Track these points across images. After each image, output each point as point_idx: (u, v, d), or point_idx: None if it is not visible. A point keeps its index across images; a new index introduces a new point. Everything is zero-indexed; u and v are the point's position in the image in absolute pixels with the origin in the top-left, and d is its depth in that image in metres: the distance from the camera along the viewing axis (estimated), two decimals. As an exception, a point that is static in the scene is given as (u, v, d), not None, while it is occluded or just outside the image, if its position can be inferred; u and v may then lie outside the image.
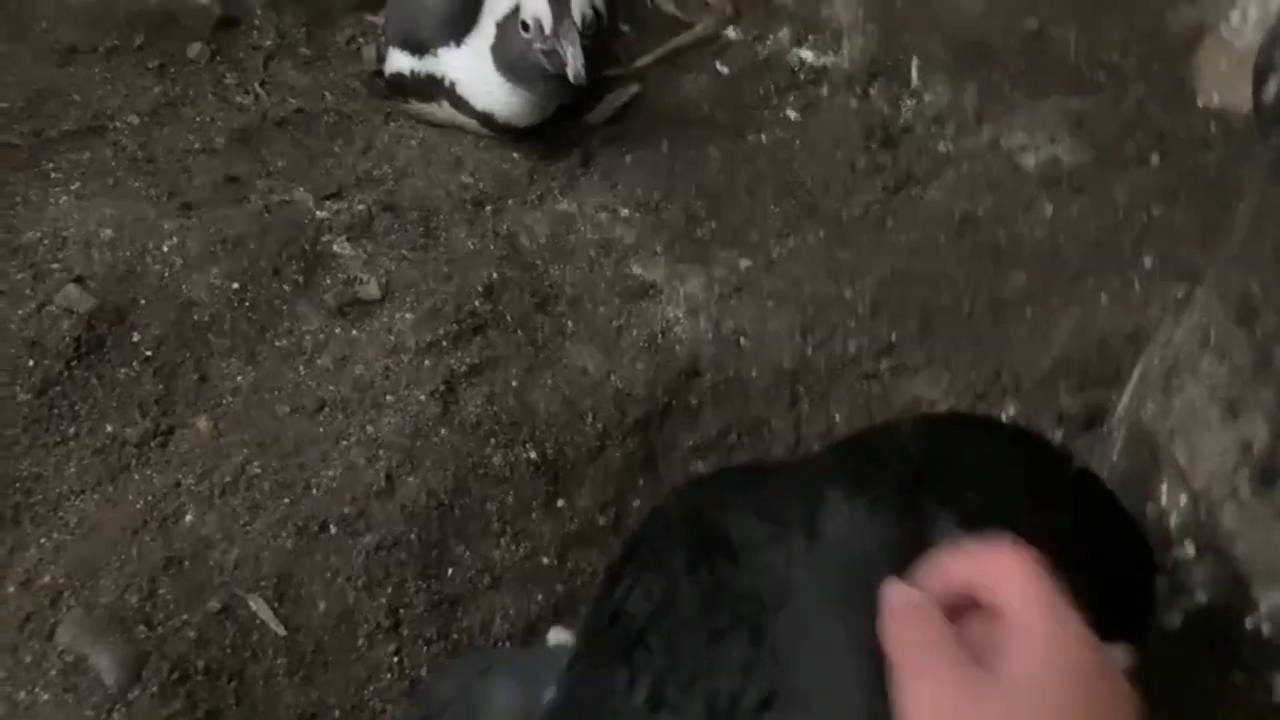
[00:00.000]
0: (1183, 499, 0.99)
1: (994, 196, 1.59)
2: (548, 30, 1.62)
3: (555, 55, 1.61)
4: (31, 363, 1.23)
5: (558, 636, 0.95)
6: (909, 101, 1.97)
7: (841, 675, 0.61)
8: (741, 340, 1.44)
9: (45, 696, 0.97)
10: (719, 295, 1.53)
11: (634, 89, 2.12)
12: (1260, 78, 0.82)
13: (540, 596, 1.16)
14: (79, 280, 1.31)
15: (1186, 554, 0.98)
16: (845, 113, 1.96)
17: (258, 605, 1.06)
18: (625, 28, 2.25)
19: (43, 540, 1.10)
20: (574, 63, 1.58)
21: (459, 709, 0.83)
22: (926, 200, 1.68)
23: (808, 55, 2.15)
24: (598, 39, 1.73)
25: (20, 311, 1.27)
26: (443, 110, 1.84)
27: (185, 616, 1.04)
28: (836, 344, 1.42)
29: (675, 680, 0.62)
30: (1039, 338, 1.33)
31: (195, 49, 1.95)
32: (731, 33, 2.23)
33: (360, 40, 2.15)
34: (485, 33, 1.74)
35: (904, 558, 0.64)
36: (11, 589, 1.05)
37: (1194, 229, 1.40)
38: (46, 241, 1.36)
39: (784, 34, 2.16)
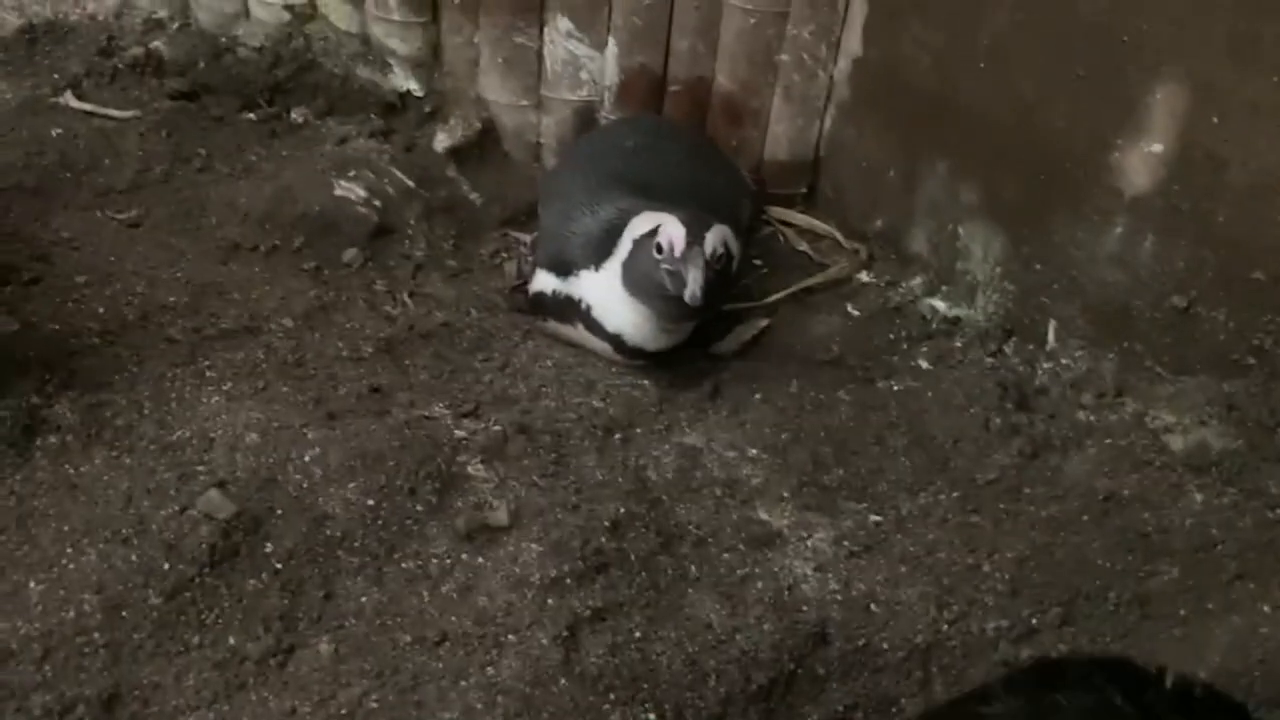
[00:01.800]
0: None
1: (1138, 477, 1.53)
2: (678, 253, 1.66)
3: (678, 276, 1.65)
4: (166, 566, 1.24)
5: None
6: (1045, 364, 1.94)
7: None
8: (872, 605, 1.39)
9: None
10: (848, 552, 1.49)
11: (763, 322, 2.15)
12: None
13: None
14: (221, 485, 1.32)
15: None
16: (979, 368, 1.95)
17: None
18: (758, 262, 2.31)
19: (154, 758, 1.08)
20: (693, 285, 1.62)
21: None
22: (1066, 472, 1.64)
23: (940, 305, 2.16)
24: (725, 274, 1.76)
25: (163, 512, 1.29)
26: (577, 332, 1.88)
27: None
28: (973, 621, 1.36)
29: None
30: (1193, 643, 1.25)
31: (350, 254, 2.05)
32: (864, 276, 2.26)
33: (504, 255, 2.23)
34: (621, 254, 1.79)
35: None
36: None
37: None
38: (195, 441, 1.39)
39: (917, 282, 2.18)
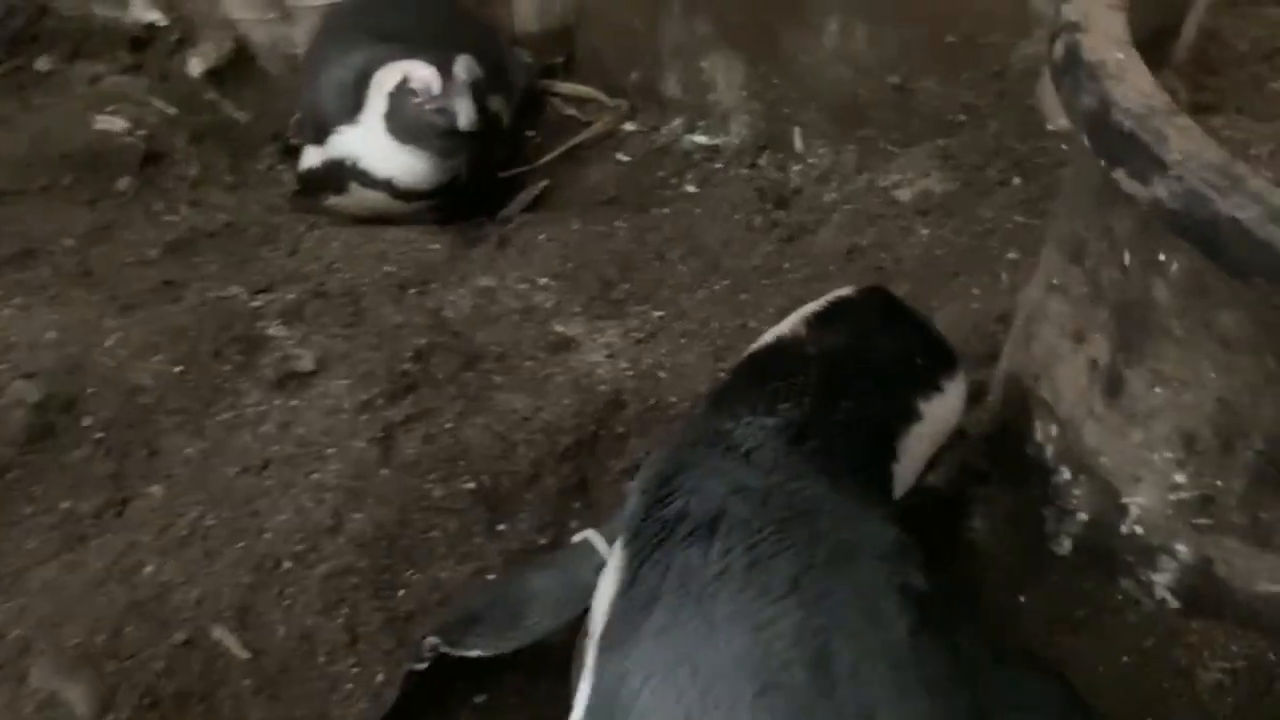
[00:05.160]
0: (1053, 430, 1.11)
1: (875, 229, 1.73)
2: (437, 91, 1.77)
3: (446, 112, 1.75)
4: (-12, 451, 1.29)
5: (585, 535, 1.04)
6: (796, 167, 2.13)
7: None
8: (660, 373, 1.54)
9: None
10: (635, 340, 1.64)
11: (543, 183, 2.28)
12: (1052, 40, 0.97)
13: None
14: (28, 376, 1.38)
15: (1064, 477, 1.09)
16: (740, 182, 2.12)
17: (221, 634, 1.12)
18: (530, 132, 2.43)
19: (8, 605, 1.15)
20: (465, 113, 1.73)
21: (502, 601, 0.96)
22: (817, 242, 1.82)
23: (701, 139, 2.33)
24: (484, 101, 1.86)
25: (-28, 410, 1.34)
26: (353, 196, 1.96)
27: (152, 650, 1.09)
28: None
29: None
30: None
31: (124, 182, 2.07)
32: (629, 126, 2.41)
33: (280, 167, 2.28)
34: (376, 107, 1.88)
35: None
36: None
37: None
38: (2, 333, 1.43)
39: (677, 123, 2.34)
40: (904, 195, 1.78)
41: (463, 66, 1.82)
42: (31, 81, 2.26)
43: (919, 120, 1.96)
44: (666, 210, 2.07)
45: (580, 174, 2.26)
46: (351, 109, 1.90)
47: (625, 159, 2.31)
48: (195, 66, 2.33)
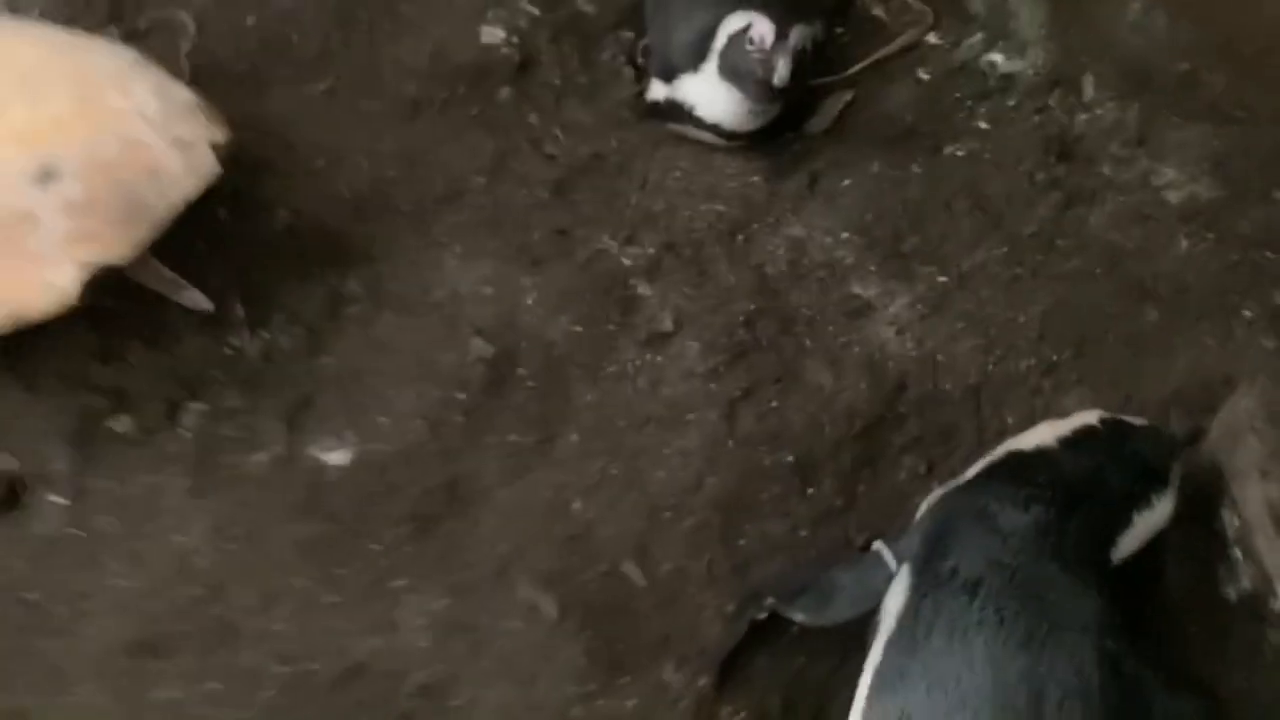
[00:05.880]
0: (1236, 521, 1.52)
1: (1141, 230, 2.04)
2: (768, 45, 2.14)
3: (768, 63, 2.13)
4: (461, 396, 1.90)
5: (878, 547, 1.57)
6: (1082, 115, 2.39)
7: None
8: (938, 357, 1.99)
9: (516, 624, 1.68)
10: (920, 316, 2.06)
11: (848, 96, 2.59)
12: None
13: (799, 559, 1.79)
14: (479, 332, 1.96)
15: (1237, 556, 1.52)
16: (1029, 127, 2.40)
17: (629, 568, 1.73)
18: (840, 29, 2.71)
19: (491, 520, 1.79)
20: (782, 69, 2.10)
21: (819, 586, 1.53)
22: (1089, 225, 2.14)
23: (998, 59, 2.57)
24: (804, 65, 2.18)
25: (444, 357, 1.94)
26: (687, 128, 2.39)
27: (586, 575, 1.72)
28: (1010, 362, 1.95)
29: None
30: (1161, 372, 1.83)
31: (504, 93, 2.54)
32: (931, 38, 2.66)
33: (621, 58, 2.68)
34: (717, 48, 2.26)
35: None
36: (479, 555, 1.75)
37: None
38: (449, 299, 2.01)
39: (978, 39, 2.58)
40: (1173, 197, 2.06)
41: (797, 34, 2.16)
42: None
43: (1199, 105, 2.17)
44: (960, 152, 2.38)
45: (881, 91, 2.56)
46: (697, 59, 2.28)
47: (925, 77, 2.58)
48: (549, -36, 2.69)
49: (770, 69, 2.08)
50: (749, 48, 2.14)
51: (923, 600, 1.42)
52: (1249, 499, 1.50)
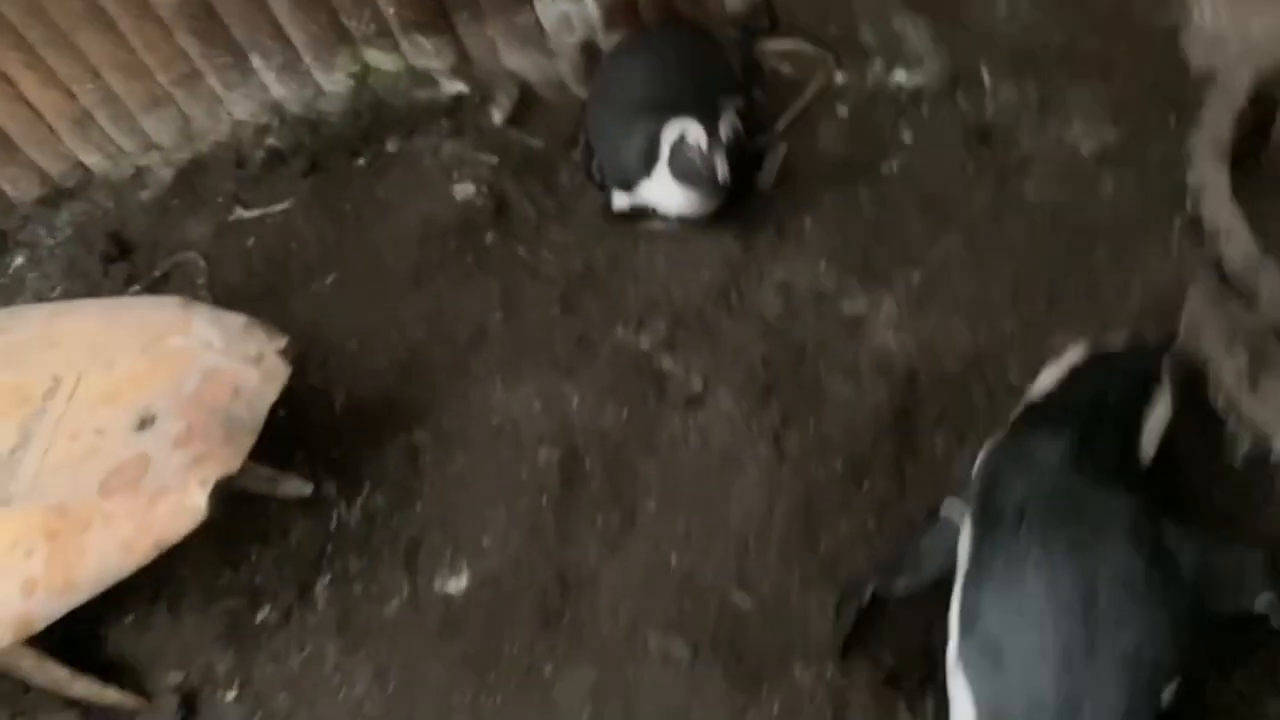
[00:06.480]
0: (1221, 398, 1.78)
1: (1068, 186, 2.33)
2: (705, 149, 2.45)
3: (709, 162, 2.44)
4: (544, 499, 2.16)
5: (947, 506, 1.80)
6: (988, 102, 2.70)
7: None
8: (936, 342, 2.26)
9: (657, 671, 1.92)
10: (909, 312, 2.34)
11: (783, 148, 2.91)
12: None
13: (875, 547, 2.04)
14: (543, 441, 2.23)
15: (1233, 425, 1.77)
16: (946, 124, 2.70)
17: (736, 596, 1.98)
18: (757, 93, 3.03)
19: (606, 595, 2.04)
20: (721, 169, 2.40)
21: (907, 558, 1.80)
22: (1026, 193, 2.44)
23: (902, 77, 2.89)
24: (740, 146, 2.50)
25: (519, 472, 2.21)
26: (655, 221, 2.69)
27: (707, 611, 1.96)
28: (996, 330, 2.23)
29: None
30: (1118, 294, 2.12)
31: (489, 237, 2.84)
32: (839, 78, 2.98)
33: (579, 178, 3.00)
34: (664, 157, 2.58)
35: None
36: (607, 625, 2.00)
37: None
38: (516, 419, 2.28)
39: (878, 66, 2.90)
40: (1086, 149, 2.36)
41: (725, 128, 2.48)
42: (388, 162, 3.02)
43: (1084, 65, 2.49)
44: (896, 166, 2.68)
45: (811, 135, 2.87)
46: (648, 165, 2.59)
47: (844, 112, 2.89)
48: (496, 116, 3.03)
49: (712, 167, 2.39)
50: (689, 154, 2.45)
51: (982, 542, 1.67)
52: (1225, 373, 1.76)
